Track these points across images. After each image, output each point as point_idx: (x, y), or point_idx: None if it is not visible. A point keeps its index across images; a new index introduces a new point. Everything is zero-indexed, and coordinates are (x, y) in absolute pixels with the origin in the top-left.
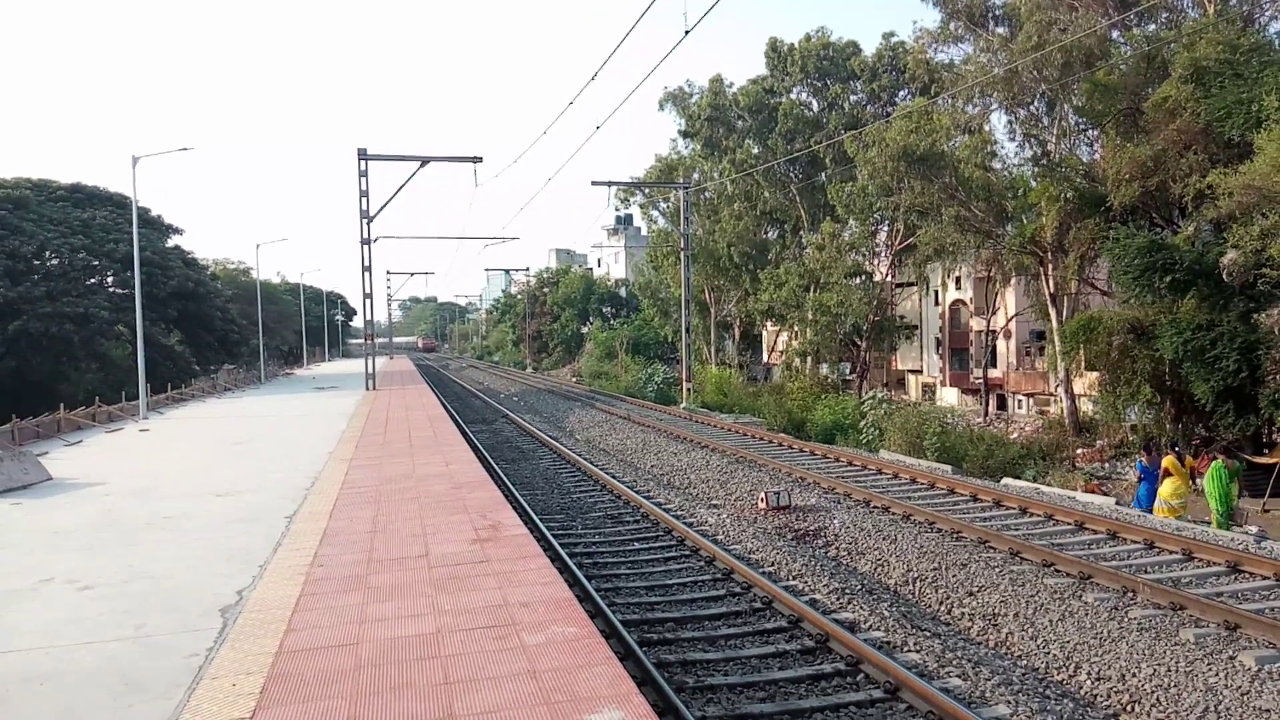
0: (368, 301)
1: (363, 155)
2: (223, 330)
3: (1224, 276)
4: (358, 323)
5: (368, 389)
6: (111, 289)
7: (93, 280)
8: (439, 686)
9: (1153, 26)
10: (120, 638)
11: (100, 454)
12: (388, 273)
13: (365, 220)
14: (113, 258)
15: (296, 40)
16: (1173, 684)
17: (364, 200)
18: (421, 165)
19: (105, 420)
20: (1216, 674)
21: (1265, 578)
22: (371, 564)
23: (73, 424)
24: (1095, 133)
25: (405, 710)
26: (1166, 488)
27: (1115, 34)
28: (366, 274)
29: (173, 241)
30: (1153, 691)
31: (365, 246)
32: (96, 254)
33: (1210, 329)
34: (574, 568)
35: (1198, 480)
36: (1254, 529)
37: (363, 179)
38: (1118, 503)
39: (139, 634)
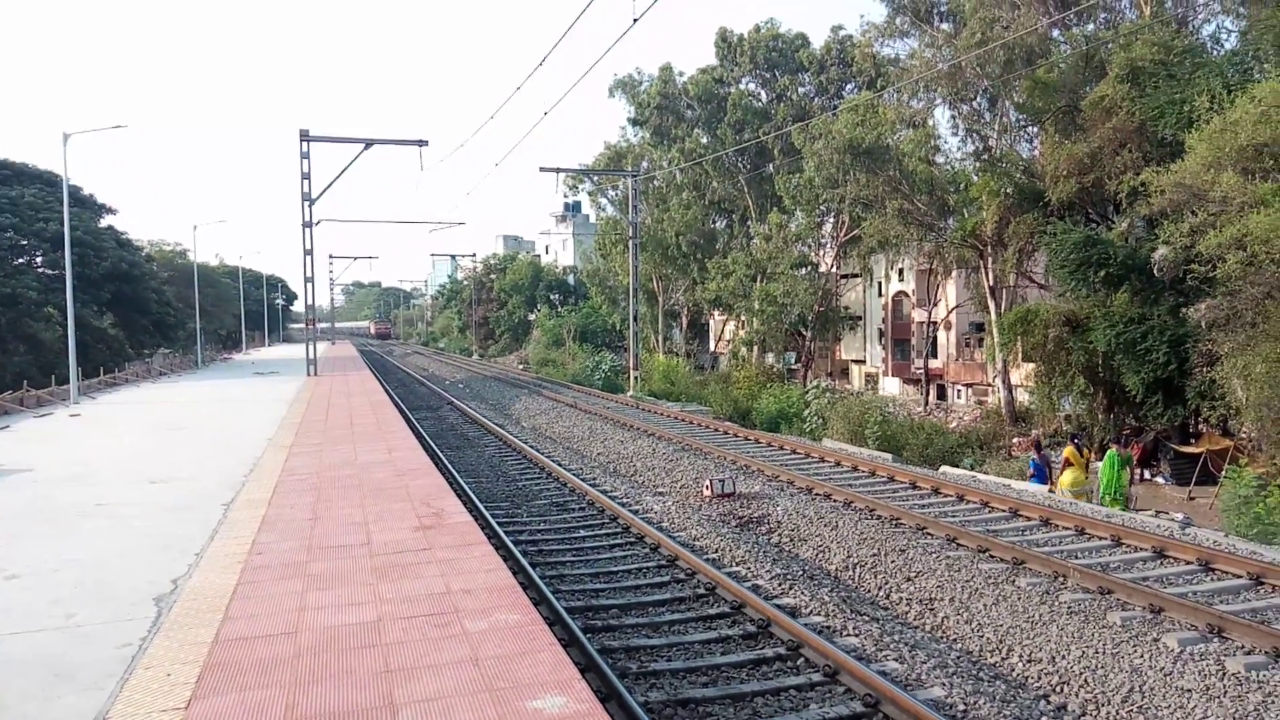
0: (309, 285)
1: (305, 136)
2: (158, 313)
3: (1155, 272)
4: (299, 307)
5: (309, 375)
6: (41, 269)
7: (21, 260)
8: (380, 674)
9: (1091, 26)
10: (49, 627)
11: (29, 439)
12: (330, 257)
13: (307, 203)
14: (42, 237)
15: (237, 16)
16: (1100, 665)
17: (306, 182)
18: (366, 147)
19: (34, 405)
20: (1141, 655)
21: (1189, 563)
22: (312, 551)
23: None
24: (1035, 129)
25: (345, 698)
26: (1066, 477)
27: (1055, 33)
28: (308, 258)
29: (106, 221)
30: (1081, 673)
31: (307, 230)
32: (25, 233)
33: (1141, 322)
34: (518, 555)
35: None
36: (1178, 515)
37: (305, 161)
38: (1050, 490)
39: (69, 624)
